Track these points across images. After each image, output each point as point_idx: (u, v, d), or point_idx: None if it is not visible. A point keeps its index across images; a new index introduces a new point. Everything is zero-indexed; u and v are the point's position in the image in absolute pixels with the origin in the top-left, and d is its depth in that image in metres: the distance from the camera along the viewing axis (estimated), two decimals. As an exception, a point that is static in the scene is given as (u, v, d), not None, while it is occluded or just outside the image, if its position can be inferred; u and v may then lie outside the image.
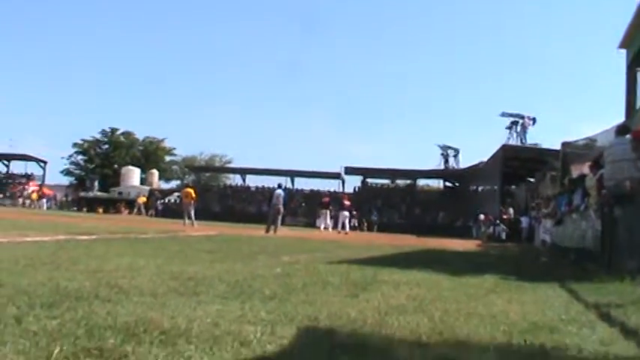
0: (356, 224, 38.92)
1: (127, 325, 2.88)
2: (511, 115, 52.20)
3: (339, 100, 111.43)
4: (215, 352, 2.53)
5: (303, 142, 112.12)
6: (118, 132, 76.01)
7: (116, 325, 2.87)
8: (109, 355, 2.36)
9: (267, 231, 19.96)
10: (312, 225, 39.56)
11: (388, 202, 52.53)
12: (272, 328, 3.07)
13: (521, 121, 51.22)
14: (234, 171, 65.41)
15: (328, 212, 28.74)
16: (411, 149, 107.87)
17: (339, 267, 6.93)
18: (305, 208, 49.97)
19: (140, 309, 3.34)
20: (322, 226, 28.21)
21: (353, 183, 58.27)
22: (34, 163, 61.75)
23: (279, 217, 21.01)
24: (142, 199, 49.52)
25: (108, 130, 75.70)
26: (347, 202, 29.60)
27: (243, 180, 60.19)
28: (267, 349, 2.69)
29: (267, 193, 30.82)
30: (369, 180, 57.94)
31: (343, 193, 50.18)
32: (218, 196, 55.92)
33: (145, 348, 2.51)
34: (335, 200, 33.36)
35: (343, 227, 27.83)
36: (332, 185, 57.07)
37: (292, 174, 56.48)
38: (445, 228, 41.23)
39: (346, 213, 28.52)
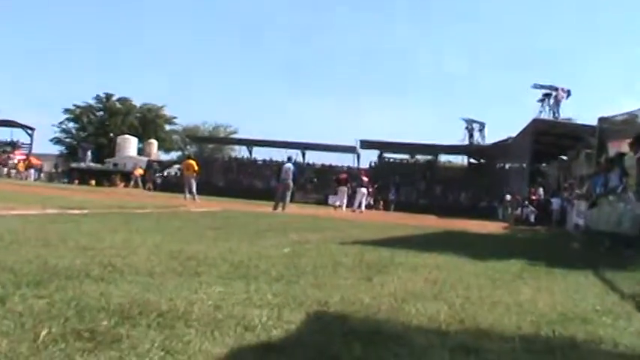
0: (371, 202, 38.91)
1: (121, 306, 2.89)
2: (543, 87, 51.43)
3: (355, 68, 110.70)
4: (216, 337, 2.54)
5: (316, 112, 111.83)
6: (114, 98, 76.18)
7: (109, 306, 2.88)
8: (101, 338, 2.37)
9: (276, 208, 20.04)
10: (324, 202, 39.59)
11: (407, 179, 52.36)
12: (279, 312, 3.08)
13: (554, 93, 50.48)
14: (240, 142, 65.39)
15: (346, 190, 28.65)
16: (433, 122, 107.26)
17: (352, 248, 6.95)
18: (317, 184, 50.06)
19: (135, 289, 3.35)
20: (337, 203, 28.19)
21: (369, 157, 58.18)
22: (21, 130, 61.17)
23: (289, 194, 21.04)
24: (139, 172, 49.73)
25: (103, 95, 75.95)
26: (365, 179, 29.58)
27: (250, 152, 60.27)
28: (273, 334, 2.69)
29: (276, 167, 30.83)
30: (386, 155, 57.75)
31: (359, 168, 50.03)
32: (222, 169, 56.08)
33: (141, 331, 2.52)
34: (353, 177, 33.21)
35: (359, 206, 27.86)
36: (346, 160, 56.97)
37: (303, 147, 56.36)
38: (468, 208, 41.15)
39: (364, 190, 28.53)
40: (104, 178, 52.55)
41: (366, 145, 55.21)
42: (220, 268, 4.45)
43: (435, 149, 56.62)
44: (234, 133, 77.56)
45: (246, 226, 9.71)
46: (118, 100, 76.27)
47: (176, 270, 4.21)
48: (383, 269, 5.20)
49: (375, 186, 40.18)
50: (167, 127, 79.00)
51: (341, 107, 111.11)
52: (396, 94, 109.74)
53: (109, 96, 75.94)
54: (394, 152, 58.27)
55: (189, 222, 9.73)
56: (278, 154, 54.20)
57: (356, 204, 27.96)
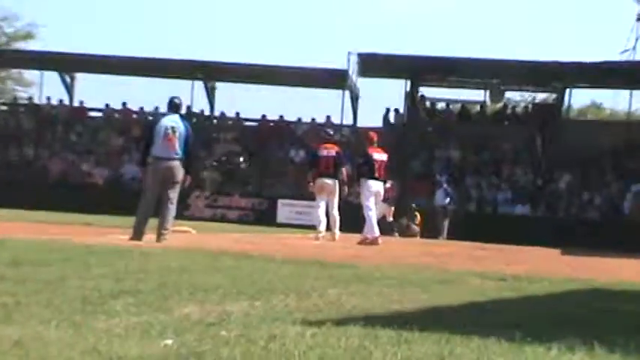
0: (390, 216, 39.22)
1: None
2: None
3: None
4: None
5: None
6: None
7: None
8: None
9: (139, 234, 20.32)
10: (269, 219, 39.97)
11: (481, 155, 52.78)
12: None
13: None
14: (42, 64, 65.16)
15: (335, 186, 28.67)
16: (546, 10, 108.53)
17: (341, 336, 6.93)
18: (248, 169, 50.29)
19: None
20: (320, 227, 28.30)
21: (381, 100, 58.48)
22: None
23: (175, 195, 21.19)
24: None
25: None
26: (380, 157, 29.23)
27: (69, 89, 60.29)
28: None
29: (139, 128, 31.07)
30: (426, 92, 58.06)
31: (366, 130, 48.69)
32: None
33: None
34: (347, 153, 33.17)
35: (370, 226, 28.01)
36: (323, 104, 57.36)
37: (210, 72, 56.39)
38: (642, 227, 41.67)
39: (378, 185, 28.47)
40: None
41: (375, 65, 55.30)
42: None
43: (551, 75, 56.66)
44: (28, 37, 77.91)
45: (62, 285, 9.69)
46: None
47: None
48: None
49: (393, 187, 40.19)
50: None
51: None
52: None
53: None
54: (448, 85, 58.61)
55: None
56: (144, 95, 54.42)
57: (371, 220, 27.96)
